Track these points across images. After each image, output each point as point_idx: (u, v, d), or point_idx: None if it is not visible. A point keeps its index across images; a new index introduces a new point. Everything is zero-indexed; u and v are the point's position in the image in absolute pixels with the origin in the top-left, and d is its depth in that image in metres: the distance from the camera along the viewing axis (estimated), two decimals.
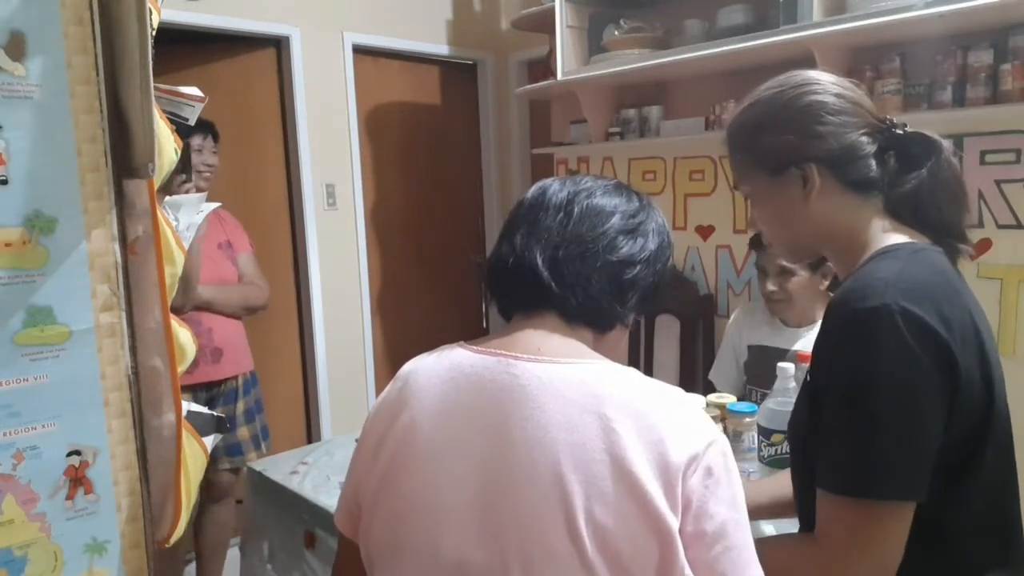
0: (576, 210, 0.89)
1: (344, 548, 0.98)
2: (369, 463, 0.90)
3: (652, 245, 0.90)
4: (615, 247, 0.87)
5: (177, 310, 2.07)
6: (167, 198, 1.16)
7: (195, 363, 2.11)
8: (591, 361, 0.84)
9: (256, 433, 2.39)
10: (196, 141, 2.27)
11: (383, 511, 0.86)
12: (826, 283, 1.87)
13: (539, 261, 0.87)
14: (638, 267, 0.88)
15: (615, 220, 0.89)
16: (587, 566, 0.74)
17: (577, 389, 0.79)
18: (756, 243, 1.94)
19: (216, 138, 2.39)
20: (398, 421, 0.88)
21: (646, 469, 0.74)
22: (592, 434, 0.76)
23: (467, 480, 0.81)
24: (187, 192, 2.05)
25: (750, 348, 2.06)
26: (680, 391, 0.84)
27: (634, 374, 0.83)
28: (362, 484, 0.90)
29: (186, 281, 2.06)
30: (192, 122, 1.16)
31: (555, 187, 0.93)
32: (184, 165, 2.12)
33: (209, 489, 2.34)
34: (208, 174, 2.33)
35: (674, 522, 0.74)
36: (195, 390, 2.22)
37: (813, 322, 1.88)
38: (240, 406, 2.34)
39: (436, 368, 0.89)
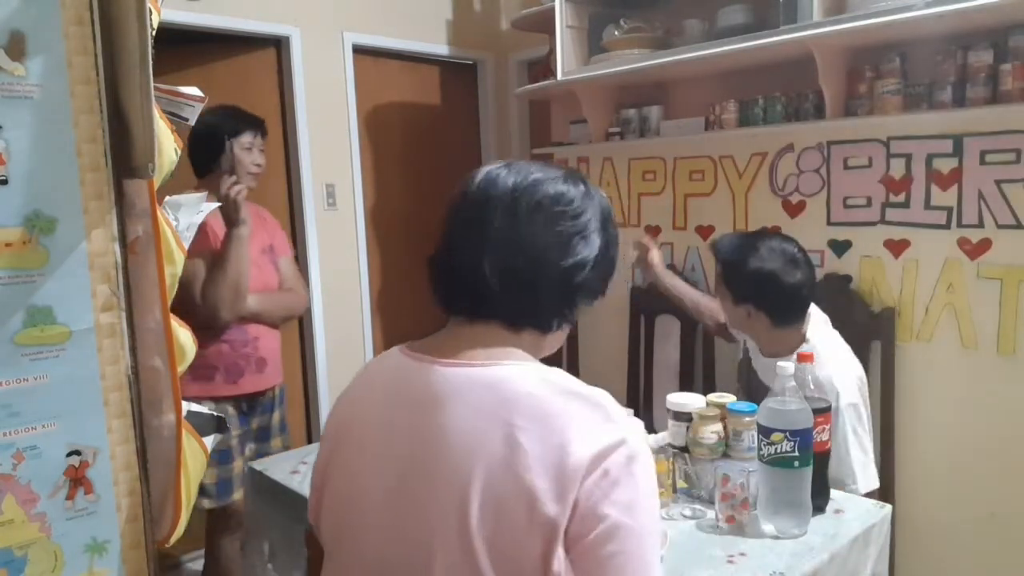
0: (523, 209, 0.85)
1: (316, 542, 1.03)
2: (319, 460, 0.96)
3: (599, 242, 0.88)
4: (566, 253, 0.85)
5: (225, 322, 2.00)
6: (167, 198, 1.15)
7: (240, 373, 2.08)
8: (512, 363, 0.83)
9: (287, 444, 2.31)
10: (247, 139, 2.10)
11: (326, 505, 0.92)
12: (756, 322, 1.74)
13: (487, 269, 0.84)
14: (587, 269, 0.87)
15: (565, 223, 0.86)
16: (476, 569, 0.75)
17: (488, 394, 0.80)
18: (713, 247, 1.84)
19: (265, 135, 2.22)
20: (339, 420, 0.93)
21: (542, 474, 0.74)
22: (495, 441, 0.76)
23: (383, 482, 0.84)
24: (238, 194, 1.94)
25: (745, 351, 2.03)
26: (600, 393, 0.82)
27: (555, 375, 0.82)
28: (315, 478, 0.96)
29: (235, 291, 1.97)
30: (192, 122, 1.15)
31: (501, 178, 0.88)
32: (232, 165, 2.02)
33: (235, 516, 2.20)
34: (259, 173, 2.16)
35: (562, 524, 0.73)
36: (239, 401, 2.12)
37: (784, 355, 1.70)
38: (276, 416, 2.25)
39: (374, 369, 0.93)
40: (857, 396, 1.67)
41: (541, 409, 0.77)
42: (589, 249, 0.87)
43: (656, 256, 2.36)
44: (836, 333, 1.83)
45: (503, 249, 0.84)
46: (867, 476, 1.65)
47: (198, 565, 2.99)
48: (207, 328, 1.99)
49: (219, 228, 2.03)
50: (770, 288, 1.68)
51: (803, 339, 1.74)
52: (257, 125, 2.15)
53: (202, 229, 2.01)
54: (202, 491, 2.06)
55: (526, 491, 0.74)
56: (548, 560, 0.73)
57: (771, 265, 1.68)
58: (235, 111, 2.19)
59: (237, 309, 2.00)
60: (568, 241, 0.86)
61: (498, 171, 0.89)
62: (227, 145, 2.03)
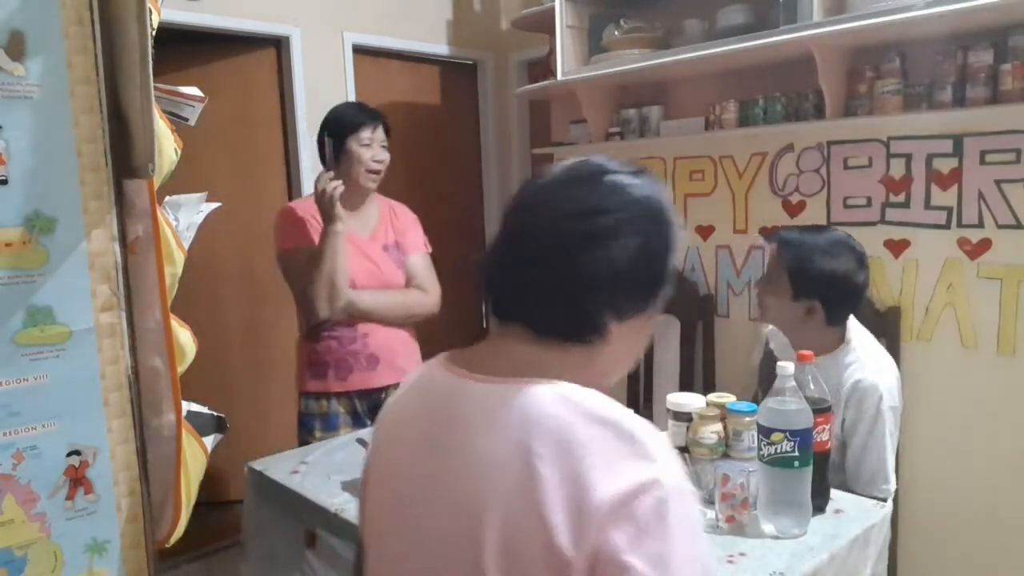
0: (538, 210, 0.82)
1: None
2: (364, 465, 0.93)
3: (632, 245, 0.78)
4: (573, 257, 0.77)
5: (324, 317, 1.99)
6: (167, 198, 1.15)
7: (349, 369, 2.07)
8: (540, 381, 0.76)
9: None
10: (365, 134, 2.07)
11: (367, 510, 0.91)
12: (811, 319, 1.70)
13: (509, 271, 0.81)
14: (607, 274, 0.78)
15: (574, 224, 0.78)
16: None
17: (511, 415, 0.74)
18: (770, 237, 1.85)
19: (388, 131, 2.15)
20: (379, 429, 0.91)
21: (558, 508, 0.68)
22: (514, 470, 0.70)
23: (408, 499, 0.81)
24: (334, 190, 1.92)
25: (768, 351, 2.00)
26: (635, 419, 0.74)
27: (583, 396, 0.74)
28: (361, 482, 0.94)
29: (330, 287, 1.96)
30: (192, 122, 1.15)
31: (539, 182, 0.84)
32: (333, 161, 2.01)
33: None
34: (379, 170, 2.13)
35: (577, 568, 0.67)
36: (351, 398, 2.09)
37: (819, 354, 1.60)
38: None
39: (410, 381, 0.90)
40: (898, 399, 1.68)
41: (562, 434, 0.70)
42: (603, 254, 0.77)
43: None
44: (870, 334, 1.82)
45: (517, 251, 0.81)
46: (893, 480, 1.68)
47: (201, 565, 2.99)
48: (319, 324, 2.04)
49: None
50: (840, 287, 1.69)
51: (842, 340, 1.73)
52: (374, 118, 2.11)
53: (303, 225, 2.06)
54: None
55: (542, 526, 0.67)
56: None
57: (845, 265, 1.69)
58: (355, 106, 2.17)
59: (336, 305, 1.99)
60: (572, 245, 0.78)
61: (540, 176, 0.85)
62: (327, 142, 2.04)
